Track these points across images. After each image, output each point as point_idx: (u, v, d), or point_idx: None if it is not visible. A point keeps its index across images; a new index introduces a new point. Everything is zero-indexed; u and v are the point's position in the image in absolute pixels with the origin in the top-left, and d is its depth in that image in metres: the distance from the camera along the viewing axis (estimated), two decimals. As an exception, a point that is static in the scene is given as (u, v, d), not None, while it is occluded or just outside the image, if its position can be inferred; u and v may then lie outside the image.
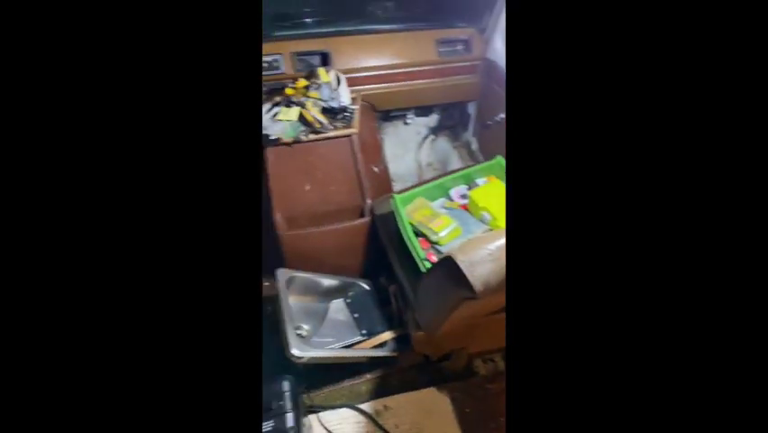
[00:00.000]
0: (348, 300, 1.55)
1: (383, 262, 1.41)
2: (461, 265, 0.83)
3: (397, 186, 1.95)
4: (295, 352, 1.16)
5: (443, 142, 2.17)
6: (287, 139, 1.42)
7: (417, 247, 1.22)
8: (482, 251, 0.85)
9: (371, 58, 1.72)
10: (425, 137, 2.17)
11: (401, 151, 2.13)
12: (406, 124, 2.10)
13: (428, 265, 1.17)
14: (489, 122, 1.78)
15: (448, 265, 0.84)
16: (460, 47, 1.76)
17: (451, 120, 2.11)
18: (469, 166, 1.46)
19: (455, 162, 2.08)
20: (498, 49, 1.72)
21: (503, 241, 0.85)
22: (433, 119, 2.13)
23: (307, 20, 1.70)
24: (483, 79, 1.81)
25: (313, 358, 1.20)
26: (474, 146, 2.07)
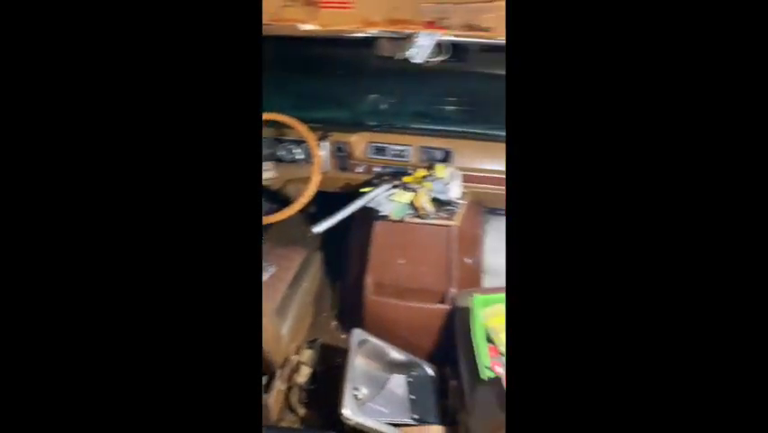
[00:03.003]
0: (410, 379, 1.61)
1: (452, 354, 1.44)
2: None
3: (491, 278, 1.93)
4: (346, 412, 1.29)
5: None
6: (393, 217, 1.65)
7: (483, 353, 1.24)
8: None
9: (488, 162, 1.85)
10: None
11: (500, 245, 2.11)
12: (512, 222, 2.09)
13: (490, 375, 1.17)
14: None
15: (497, 387, 0.89)
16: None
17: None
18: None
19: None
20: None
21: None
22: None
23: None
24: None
25: (360, 424, 1.30)
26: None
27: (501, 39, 1.18)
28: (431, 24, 0.87)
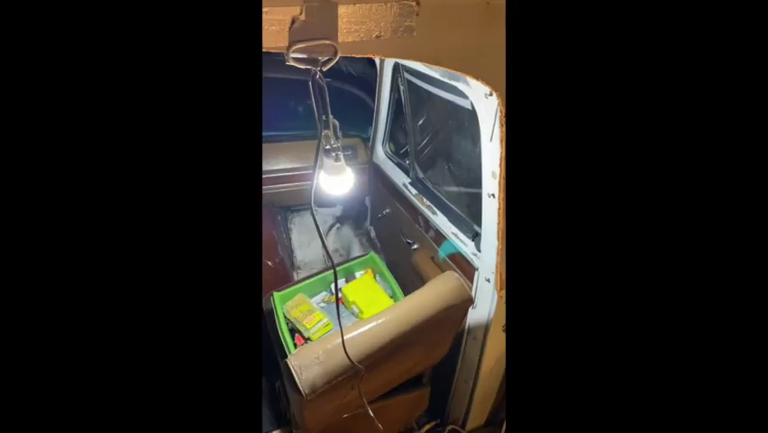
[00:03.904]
0: (237, 400, 1.54)
1: (275, 356, 1.43)
2: (293, 369, 0.87)
3: (304, 272, 2.01)
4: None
5: (347, 230, 2.29)
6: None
7: (290, 344, 1.25)
8: (314, 354, 0.90)
9: (269, 163, 1.90)
10: (332, 226, 2.28)
11: (308, 238, 2.23)
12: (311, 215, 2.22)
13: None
14: (379, 215, 1.91)
15: (287, 368, 0.90)
16: (349, 152, 1.96)
17: (352, 211, 2.25)
18: (347, 261, 1.53)
19: (357, 248, 2.17)
20: (379, 154, 1.90)
21: (335, 343, 0.92)
22: (338, 209, 2.28)
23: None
24: (371, 179, 1.97)
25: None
26: (372, 234, 2.18)
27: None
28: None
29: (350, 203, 2.30)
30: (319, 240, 2.27)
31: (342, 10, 0.73)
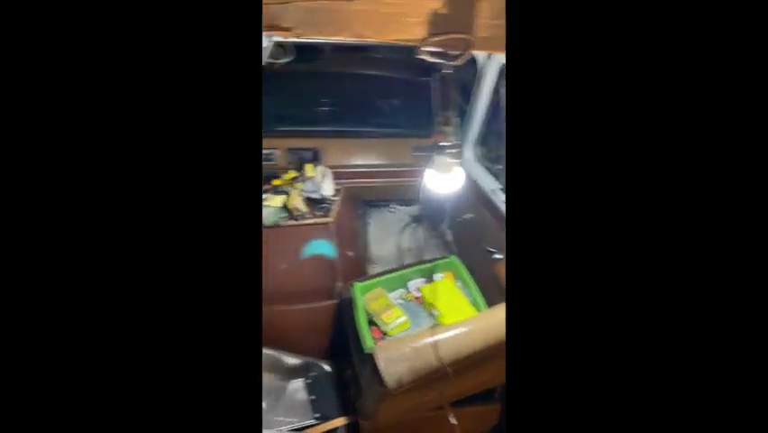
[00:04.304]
0: (308, 381, 1.60)
1: (346, 345, 1.47)
2: (379, 362, 0.89)
3: (378, 267, 2.04)
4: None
5: (423, 231, 2.27)
6: (267, 223, 1.62)
7: (367, 335, 1.28)
8: (402, 350, 0.90)
9: (358, 157, 1.94)
10: (407, 224, 2.28)
11: (384, 234, 2.25)
12: (390, 212, 2.25)
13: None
14: (458, 219, 1.85)
15: (372, 360, 0.91)
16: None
17: (430, 212, 2.22)
18: (428, 261, 1.51)
19: (431, 250, 2.13)
20: (468, 157, 1.85)
21: (423, 342, 0.90)
22: (415, 209, 2.26)
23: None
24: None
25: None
26: (449, 237, 2.13)
27: (350, 39, 1.24)
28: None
29: (428, 203, 2.28)
30: (394, 237, 2.29)
31: (481, 4, 0.71)
